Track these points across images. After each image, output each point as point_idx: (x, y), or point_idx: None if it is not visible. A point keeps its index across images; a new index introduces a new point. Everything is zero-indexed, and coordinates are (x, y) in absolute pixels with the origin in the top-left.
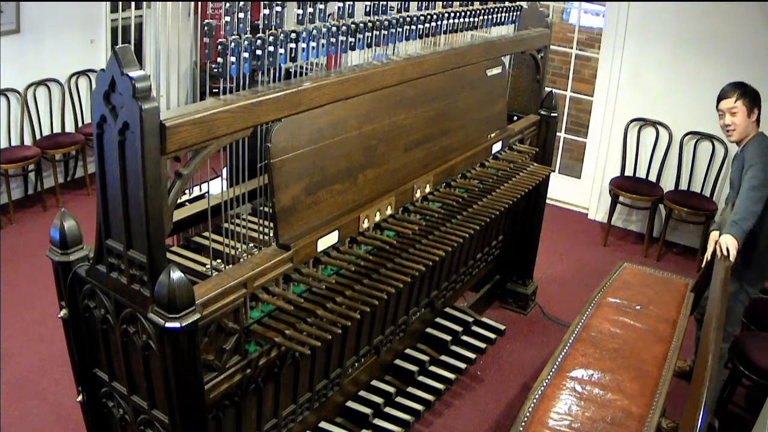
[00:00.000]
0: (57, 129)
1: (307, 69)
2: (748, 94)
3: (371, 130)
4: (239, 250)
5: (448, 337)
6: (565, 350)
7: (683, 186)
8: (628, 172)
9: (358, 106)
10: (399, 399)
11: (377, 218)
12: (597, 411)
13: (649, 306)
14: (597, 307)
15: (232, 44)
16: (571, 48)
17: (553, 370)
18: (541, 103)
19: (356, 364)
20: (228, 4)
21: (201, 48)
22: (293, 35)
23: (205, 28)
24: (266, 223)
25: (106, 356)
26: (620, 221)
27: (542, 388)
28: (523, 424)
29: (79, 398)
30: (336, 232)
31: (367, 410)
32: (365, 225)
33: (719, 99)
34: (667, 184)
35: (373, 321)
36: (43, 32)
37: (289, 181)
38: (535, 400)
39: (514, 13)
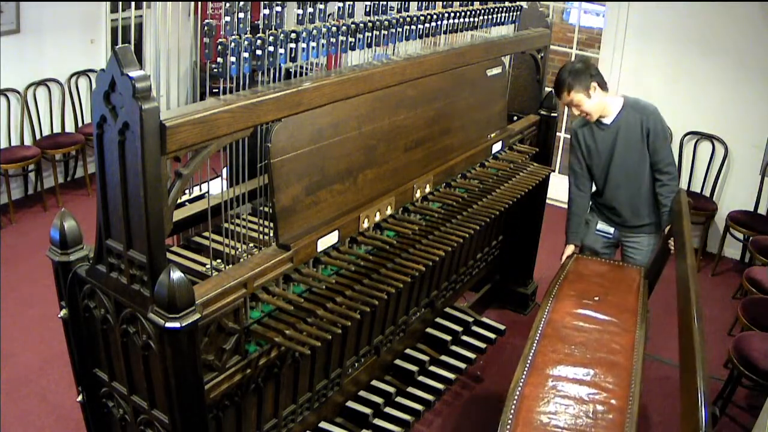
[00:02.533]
0: (57, 129)
1: (307, 69)
2: (573, 83)
3: (371, 130)
4: (239, 250)
5: (448, 337)
6: (533, 348)
7: (683, 186)
8: None
9: (358, 106)
10: (399, 399)
11: (377, 218)
12: (578, 407)
13: (607, 296)
14: (556, 301)
15: (232, 44)
16: (571, 48)
17: (527, 369)
18: (541, 103)
19: (356, 364)
20: (228, 4)
21: (201, 48)
22: (293, 35)
23: (205, 28)
24: (266, 223)
25: (106, 356)
26: None
27: (519, 388)
28: (508, 427)
29: (79, 398)
30: (336, 232)
31: (367, 410)
32: (365, 225)
33: (555, 95)
34: None
35: (373, 321)
36: (43, 32)
37: (289, 181)
38: (515, 402)
39: (514, 13)
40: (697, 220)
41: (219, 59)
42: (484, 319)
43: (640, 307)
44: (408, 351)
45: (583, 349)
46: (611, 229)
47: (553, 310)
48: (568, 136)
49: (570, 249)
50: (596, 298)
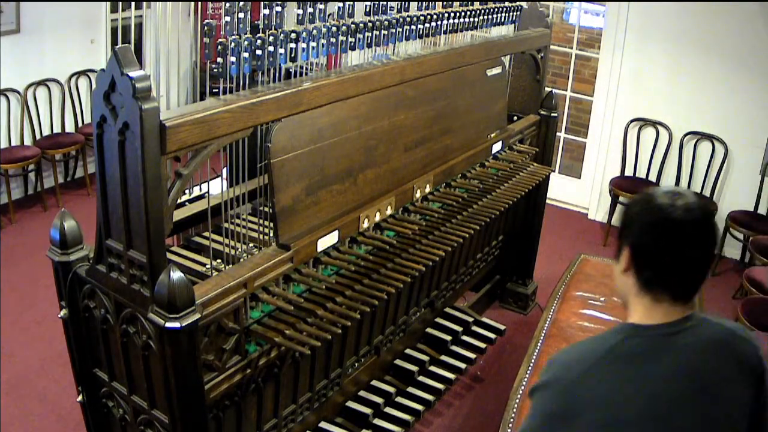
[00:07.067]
0: (57, 129)
1: (307, 69)
2: None
3: (371, 130)
4: (239, 250)
5: (448, 337)
6: (538, 347)
7: (683, 186)
8: (628, 172)
9: (358, 106)
10: (399, 399)
11: (377, 218)
12: None
13: (613, 297)
14: (562, 301)
15: (232, 44)
16: (571, 48)
17: (530, 368)
18: (541, 103)
19: (356, 364)
20: (228, 4)
21: (201, 48)
22: (293, 35)
23: (205, 28)
24: (266, 223)
25: (106, 356)
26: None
27: (522, 387)
28: (510, 425)
29: (79, 398)
30: (336, 232)
31: (367, 410)
32: (365, 225)
33: None
34: (667, 184)
35: (373, 321)
36: (43, 32)
37: (289, 181)
38: (517, 401)
39: (514, 13)
40: None
41: (219, 59)
42: (484, 319)
43: None
44: (408, 351)
45: None
46: None
47: (559, 311)
48: (569, 136)
49: None
50: (602, 299)
